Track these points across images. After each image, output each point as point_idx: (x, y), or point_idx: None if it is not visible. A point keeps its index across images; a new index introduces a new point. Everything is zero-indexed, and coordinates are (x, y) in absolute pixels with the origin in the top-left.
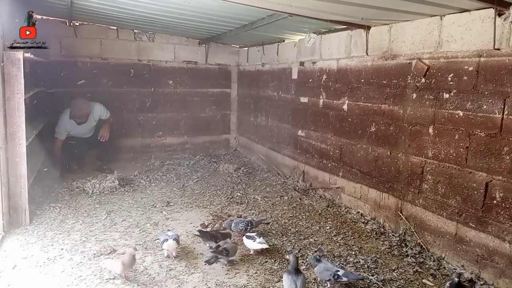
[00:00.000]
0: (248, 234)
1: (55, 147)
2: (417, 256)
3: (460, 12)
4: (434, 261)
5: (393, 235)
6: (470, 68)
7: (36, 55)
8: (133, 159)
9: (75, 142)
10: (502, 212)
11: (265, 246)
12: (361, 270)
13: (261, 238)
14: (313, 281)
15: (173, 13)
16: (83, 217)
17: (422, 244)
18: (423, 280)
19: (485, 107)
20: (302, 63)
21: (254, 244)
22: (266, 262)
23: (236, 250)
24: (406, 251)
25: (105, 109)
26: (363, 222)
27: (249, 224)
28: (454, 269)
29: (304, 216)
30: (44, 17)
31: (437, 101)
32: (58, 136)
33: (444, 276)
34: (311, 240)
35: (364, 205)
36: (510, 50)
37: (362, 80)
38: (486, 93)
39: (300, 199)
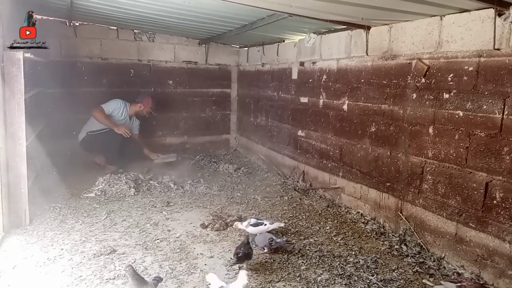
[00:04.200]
0: (252, 221)
1: (98, 116)
2: (417, 256)
3: (460, 12)
4: (434, 261)
5: (393, 235)
6: (470, 68)
7: (36, 55)
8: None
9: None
10: (502, 212)
11: (282, 224)
12: (361, 270)
13: (269, 221)
14: None
15: (173, 13)
16: (83, 217)
17: (422, 244)
18: (423, 280)
19: (485, 107)
20: (302, 63)
21: (266, 226)
22: (266, 262)
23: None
24: (406, 251)
25: None
26: (363, 222)
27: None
28: (454, 269)
29: (304, 216)
30: (44, 17)
31: (437, 101)
32: (104, 107)
33: (444, 276)
34: (311, 240)
35: (364, 205)
36: (510, 50)
37: (362, 80)
38: (486, 93)
39: (300, 199)
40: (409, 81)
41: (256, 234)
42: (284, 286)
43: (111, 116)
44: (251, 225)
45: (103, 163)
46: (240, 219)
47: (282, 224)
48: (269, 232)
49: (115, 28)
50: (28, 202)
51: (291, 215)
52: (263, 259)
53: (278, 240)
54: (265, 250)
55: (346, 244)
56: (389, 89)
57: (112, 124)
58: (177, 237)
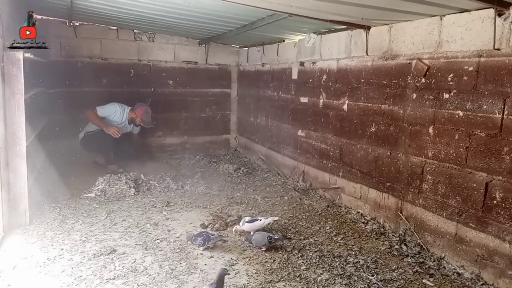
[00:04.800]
0: (246, 219)
1: (89, 117)
2: (417, 256)
3: (460, 12)
4: (434, 261)
5: (393, 235)
6: (470, 68)
7: (36, 55)
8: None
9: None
10: (502, 212)
11: (276, 218)
12: (361, 270)
13: (263, 217)
14: None
15: (173, 13)
16: (83, 217)
17: (422, 244)
18: (423, 280)
19: (485, 107)
20: (302, 63)
21: (262, 222)
22: (266, 262)
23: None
24: (406, 251)
25: None
26: (363, 222)
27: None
28: (454, 269)
29: (304, 216)
30: (44, 17)
31: (437, 101)
32: (98, 109)
33: (444, 276)
34: (311, 240)
35: (364, 205)
36: (510, 50)
37: (362, 80)
38: (486, 93)
39: (300, 199)
40: (409, 81)
41: (253, 233)
42: (284, 286)
43: (106, 118)
44: (246, 222)
45: (103, 163)
46: (240, 219)
47: (277, 218)
48: (266, 230)
49: (115, 28)
50: (28, 202)
51: (291, 215)
52: (263, 259)
53: (276, 237)
54: (263, 249)
55: (346, 244)
56: (389, 89)
57: (102, 125)
58: (177, 237)
